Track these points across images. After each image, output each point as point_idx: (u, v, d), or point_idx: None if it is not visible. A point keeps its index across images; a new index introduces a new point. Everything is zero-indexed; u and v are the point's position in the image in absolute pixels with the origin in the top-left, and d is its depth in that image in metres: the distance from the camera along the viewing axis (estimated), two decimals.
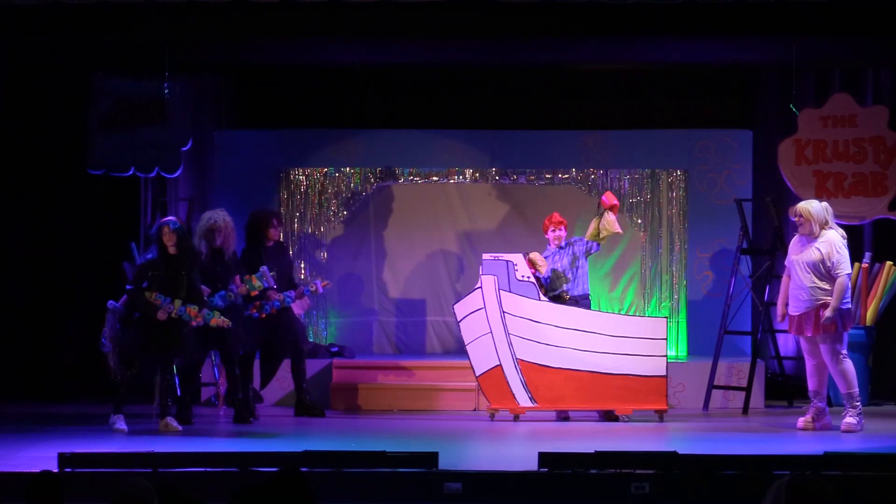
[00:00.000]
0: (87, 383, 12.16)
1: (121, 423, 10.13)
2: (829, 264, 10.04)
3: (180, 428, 10.23)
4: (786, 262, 10.48)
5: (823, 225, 10.15)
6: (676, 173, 13.01)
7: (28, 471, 7.45)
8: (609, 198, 11.19)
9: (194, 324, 10.18)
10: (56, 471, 7.62)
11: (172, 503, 5.15)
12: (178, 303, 10.08)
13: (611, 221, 11.09)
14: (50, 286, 12.46)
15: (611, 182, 13.00)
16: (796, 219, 10.27)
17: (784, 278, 10.47)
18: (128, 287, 10.29)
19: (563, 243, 11.33)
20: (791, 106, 11.69)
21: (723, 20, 10.62)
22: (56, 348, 12.44)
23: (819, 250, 10.08)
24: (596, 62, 12.63)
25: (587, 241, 11.27)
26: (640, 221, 13.04)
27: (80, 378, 12.27)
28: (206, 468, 7.85)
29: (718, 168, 12.81)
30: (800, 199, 11.67)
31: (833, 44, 11.39)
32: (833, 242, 10.06)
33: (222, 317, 10.25)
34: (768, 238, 12.22)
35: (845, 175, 11.75)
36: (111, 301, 10.33)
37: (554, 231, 11.36)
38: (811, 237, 10.15)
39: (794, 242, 10.36)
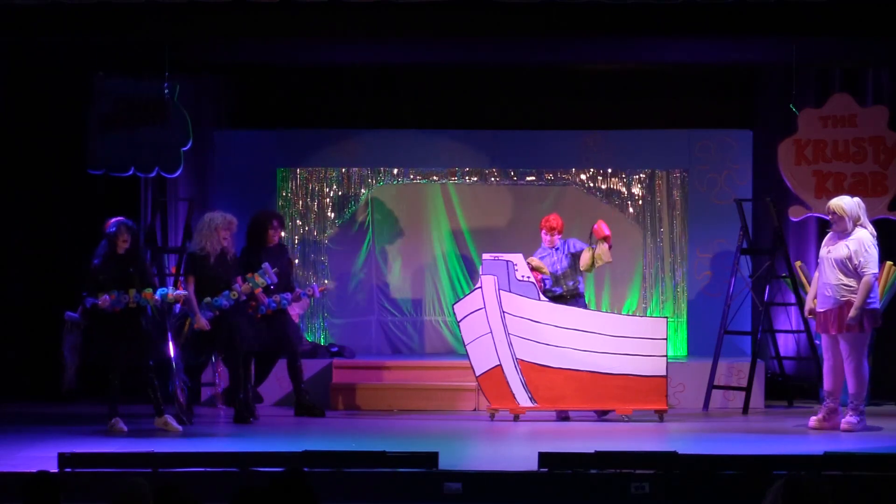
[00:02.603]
0: (87, 383, 12.13)
1: (120, 424, 10.13)
2: (856, 262, 10.00)
3: (180, 428, 10.23)
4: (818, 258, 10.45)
5: (857, 221, 10.12)
6: (676, 173, 13.01)
7: (28, 471, 7.45)
8: (602, 228, 11.18)
9: (152, 303, 10.19)
10: (54, 471, 7.62)
11: (172, 503, 5.15)
12: (132, 292, 10.10)
13: (605, 251, 11.14)
14: (50, 286, 12.45)
15: (609, 182, 13.01)
16: (829, 216, 10.23)
17: (815, 273, 10.47)
18: (83, 294, 10.25)
19: (557, 245, 11.35)
20: (791, 106, 11.68)
21: (723, 20, 10.62)
22: (56, 348, 12.41)
23: (848, 247, 10.04)
24: (596, 62, 12.62)
25: (579, 246, 11.28)
26: (640, 221, 13.04)
27: (81, 378, 12.23)
28: (206, 468, 7.85)
29: (718, 168, 12.81)
30: (800, 199, 11.70)
31: (833, 44, 11.39)
32: (863, 241, 10.03)
33: (176, 291, 10.30)
34: (768, 238, 12.22)
35: (845, 175, 11.74)
36: (69, 312, 10.30)
37: (547, 235, 11.38)
38: (843, 234, 10.12)
39: (827, 238, 10.34)
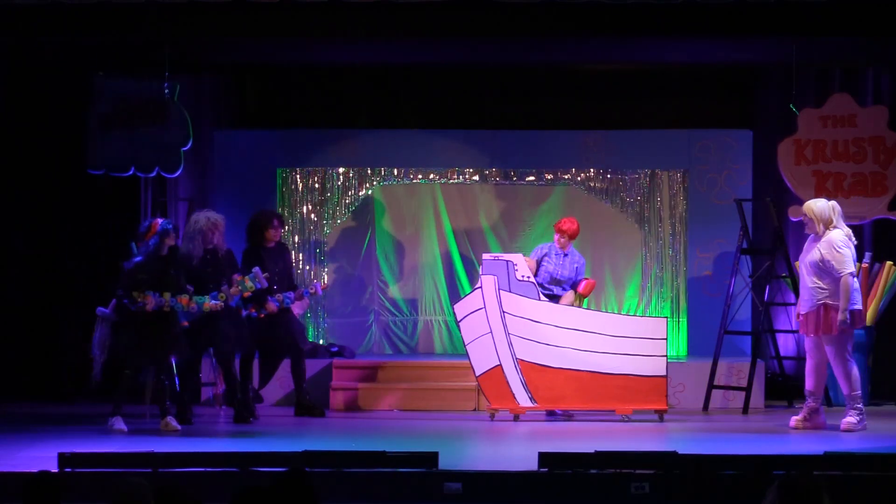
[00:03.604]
0: (87, 383, 12.15)
1: (120, 424, 10.13)
2: (827, 265, 10.03)
3: (180, 428, 10.23)
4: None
5: (828, 224, 10.13)
6: (676, 173, 13.01)
7: (28, 471, 7.45)
8: (589, 289, 11.43)
9: (188, 310, 10.21)
10: (55, 471, 7.62)
11: (172, 503, 5.15)
12: (167, 295, 10.12)
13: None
14: (50, 286, 12.46)
15: (609, 182, 13.02)
16: (802, 218, 10.28)
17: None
18: (119, 292, 10.26)
19: (567, 251, 11.43)
20: (791, 106, 11.69)
21: (723, 20, 10.62)
22: (56, 348, 12.44)
23: (819, 250, 10.08)
24: (596, 62, 12.63)
25: (580, 270, 11.48)
26: (640, 221, 13.04)
27: (80, 378, 12.25)
28: (206, 468, 7.85)
29: (718, 168, 12.81)
30: (800, 199, 11.70)
31: (833, 44, 11.39)
32: (833, 242, 10.05)
33: (213, 301, 10.31)
34: (768, 238, 12.22)
35: (845, 175, 11.75)
36: (100, 308, 10.32)
37: (556, 235, 11.46)
38: (817, 236, 10.15)
39: (807, 242, 10.37)
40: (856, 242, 10.31)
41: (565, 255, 11.45)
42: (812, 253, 10.14)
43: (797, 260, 12.02)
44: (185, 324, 10.42)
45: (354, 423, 10.99)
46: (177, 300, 10.16)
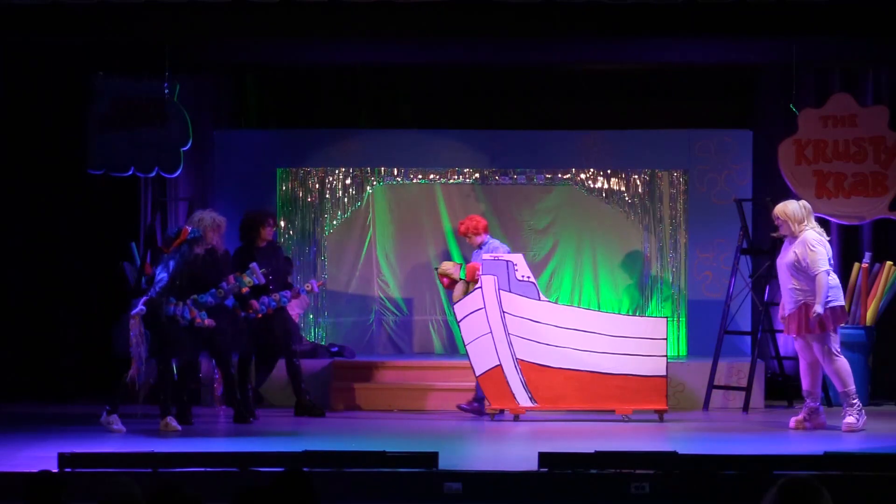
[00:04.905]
0: (87, 383, 12.16)
1: (118, 424, 10.12)
2: (803, 264, 10.05)
3: (180, 428, 10.22)
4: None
5: (801, 223, 10.15)
6: (676, 173, 13.01)
7: (28, 471, 7.45)
8: (471, 273, 11.30)
9: (197, 322, 10.28)
10: (56, 471, 7.62)
11: (172, 503, 5.15)
12: (180, 304, 10.16)
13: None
14: (50, 287, 12.46)
15: (609, 182, 13.02)
16: (775, 221, 10.30)
17: None
18: (154, 293, 10.25)
19: (482, 246, 11.32)
20: (791, 106, 11.69)
21: (723, 20, 10.63)
22: (55, 348, 12.43)
23: (795, 252, 10.10)
24: (596, 62, 12.64)
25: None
26: (640, 221, 13.04)
27: (80, 378, 12.26)
28: (206, 468, 7.85)
29: (718, 168, 12.81)
30: (799, 199, 11.71)
31: (833, 44, 11.40)
32: (807, 242, 10.06)
33: (208, 320, 10.36)
34: (768, 238, 12.21)
35: (845, 175, 11.75)
36: (139, 307, 10.28)
37: (467, 240, 11.58)
38: (793, 238, 10.17)
39: (783, 244, 10.39)
40: (829, 238, 10.33)
41: (480, 249, 11.39)
42: (788, 254, 10.17)
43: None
44: (197, 322, 10.43)
45: (354, 423, 10.99)
46: (188, 309, 10.22)
